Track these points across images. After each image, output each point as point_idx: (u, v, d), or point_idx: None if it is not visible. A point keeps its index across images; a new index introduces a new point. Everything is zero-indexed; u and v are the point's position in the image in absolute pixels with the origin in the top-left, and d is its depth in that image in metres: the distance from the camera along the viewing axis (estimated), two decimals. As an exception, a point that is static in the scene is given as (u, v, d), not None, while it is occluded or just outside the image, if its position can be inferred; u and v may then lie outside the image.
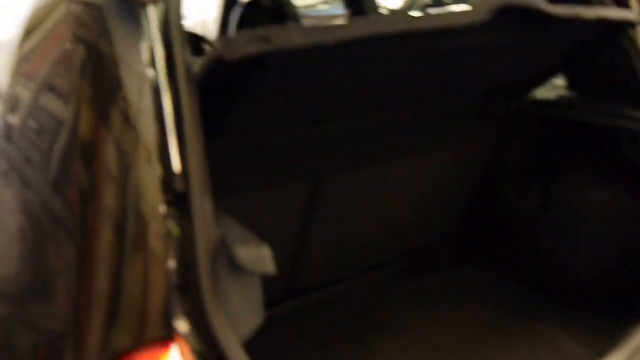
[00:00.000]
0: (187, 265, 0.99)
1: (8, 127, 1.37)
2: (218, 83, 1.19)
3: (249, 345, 1.07)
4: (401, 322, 2.11)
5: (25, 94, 1.33)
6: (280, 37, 1.11)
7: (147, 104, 1.05)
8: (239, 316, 1.05)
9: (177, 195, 1.01)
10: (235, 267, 1.04)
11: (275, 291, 2.06)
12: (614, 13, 1.72)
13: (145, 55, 1.09)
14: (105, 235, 1.02)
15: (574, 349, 1.91)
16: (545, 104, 2.15)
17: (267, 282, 1.95)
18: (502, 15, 1.36)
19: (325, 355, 1.93)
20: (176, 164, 1.02)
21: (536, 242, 2.28)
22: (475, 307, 2.18)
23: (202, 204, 1.00)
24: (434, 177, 2.21)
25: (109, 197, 1.04)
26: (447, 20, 1.33)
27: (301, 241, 1.98)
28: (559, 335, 1.99)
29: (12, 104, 1.37)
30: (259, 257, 1.06)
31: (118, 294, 0.98)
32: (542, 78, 2.14)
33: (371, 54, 1.40)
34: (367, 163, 1.98)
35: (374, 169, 2.02)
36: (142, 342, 0.95)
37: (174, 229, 1.00)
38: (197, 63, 1.19)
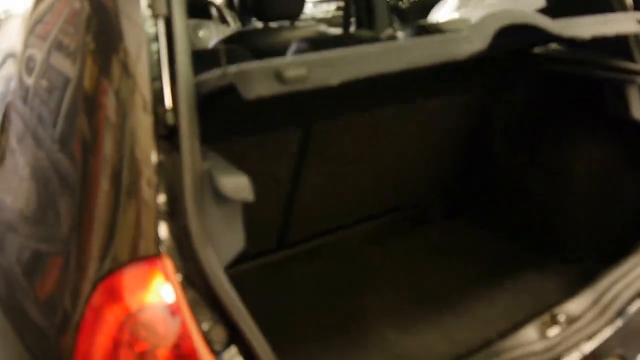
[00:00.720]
0: (175, 195, 1.11)
1: (25, 89, 1.47)
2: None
3: (239, 293, 1.14)
4: (388, 273, 2.18)
5: (39, 55, 1.42)
6: (296, 78, 1.14)
7: (144, 53, 1.13)
8: (221, 242, 1.16)
9: (167, 130, 1.12)
10: (219, 197, 1.14)
11: (267, 241, 2.14)
12: (612, 27, 1.66)
13: (144, 6, 1.14)
14: (103, 185, 1.10)
15: (559, 300, 1.98)
16: (533, 57, 2.16)
17: (259, 232, 2.04)
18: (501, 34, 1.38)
19: (311, 306, 2.02)
20: (168, 101, 1.12)
21: (524, 198, 2.31)
22: (463, 260, 2.23)
23: (190, 138, 1.10)
24: (426, 128, 2.22)
25: (108, 146, 1.11)
26: (444, 52, 1.36)
27: (293, 190, 2.02)
28: (545, 286, 2.03)
29: (30, 66, 1.46)
30: (239, 185, 1.15)
31: (112, 237, 1.09)
32: (541, 44, 2.16)
33: None
34: (358, 109, 1.97)
35: (366, 115, 2.01)
36: (136, 257, 1.07)
37: (165, 161, 1.11)
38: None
